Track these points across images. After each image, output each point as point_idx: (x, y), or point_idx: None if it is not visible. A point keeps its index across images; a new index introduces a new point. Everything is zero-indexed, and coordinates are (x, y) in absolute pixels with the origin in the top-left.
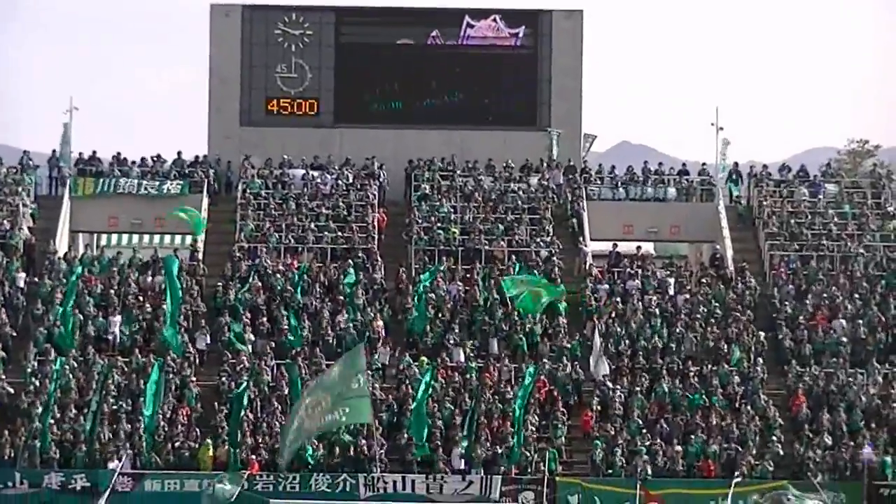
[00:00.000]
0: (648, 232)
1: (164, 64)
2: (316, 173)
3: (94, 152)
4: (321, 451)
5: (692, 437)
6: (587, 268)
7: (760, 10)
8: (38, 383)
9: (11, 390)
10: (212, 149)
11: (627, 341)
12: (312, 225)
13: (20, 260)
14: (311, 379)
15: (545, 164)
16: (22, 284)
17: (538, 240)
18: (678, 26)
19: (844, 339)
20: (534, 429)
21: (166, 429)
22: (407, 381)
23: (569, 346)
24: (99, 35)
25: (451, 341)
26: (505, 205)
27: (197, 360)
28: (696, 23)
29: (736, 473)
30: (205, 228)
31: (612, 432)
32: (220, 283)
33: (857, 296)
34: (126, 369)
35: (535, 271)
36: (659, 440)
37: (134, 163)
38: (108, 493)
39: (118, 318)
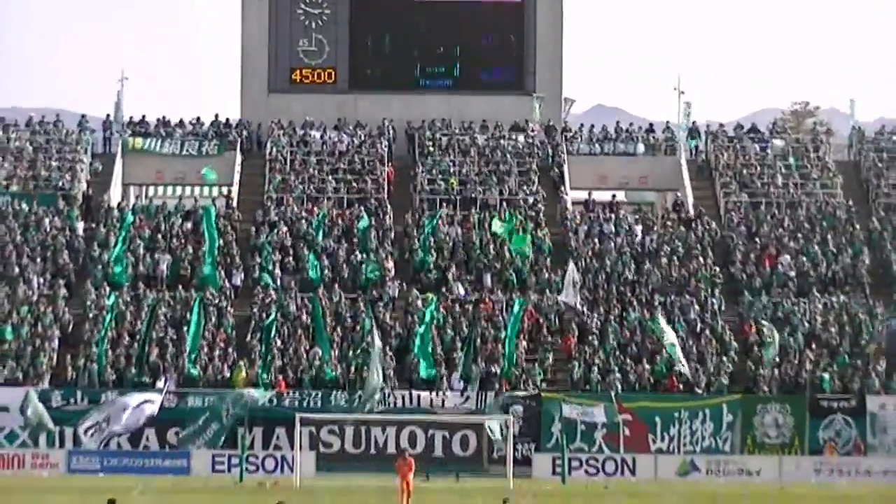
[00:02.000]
0: (620, 182)
1: (201, 39)
2: (333, 133)
3: (143, 116)
4: (338, 371)
5: (658, 357)
6: (567, 212)
7: None
8: (95, 315)
9: (73, 321)
10: (244, 112)
11: (602, 276)
12: (330, 178)
13: (79, 209)
14: (329, 308)
15: (530, 124)
16: (81, 230)
17: (525, 189)
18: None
19: (790, 273)
20: (522, 352)
21: (206, 353)
22: (413, 312)
23: (552, 280)
24: (147, 12)
25: (451, 277)
26: (496, 159)
27: (232, 294)
28: None
29: (697, 389)
30: (216, 182)
31: (590, 354)
32: (251, 228)
33: (800, 236)
34: (171, 302)
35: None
36: (629, 360)
37: (177, 125)
38: (158, 406)
39: (164, 258)
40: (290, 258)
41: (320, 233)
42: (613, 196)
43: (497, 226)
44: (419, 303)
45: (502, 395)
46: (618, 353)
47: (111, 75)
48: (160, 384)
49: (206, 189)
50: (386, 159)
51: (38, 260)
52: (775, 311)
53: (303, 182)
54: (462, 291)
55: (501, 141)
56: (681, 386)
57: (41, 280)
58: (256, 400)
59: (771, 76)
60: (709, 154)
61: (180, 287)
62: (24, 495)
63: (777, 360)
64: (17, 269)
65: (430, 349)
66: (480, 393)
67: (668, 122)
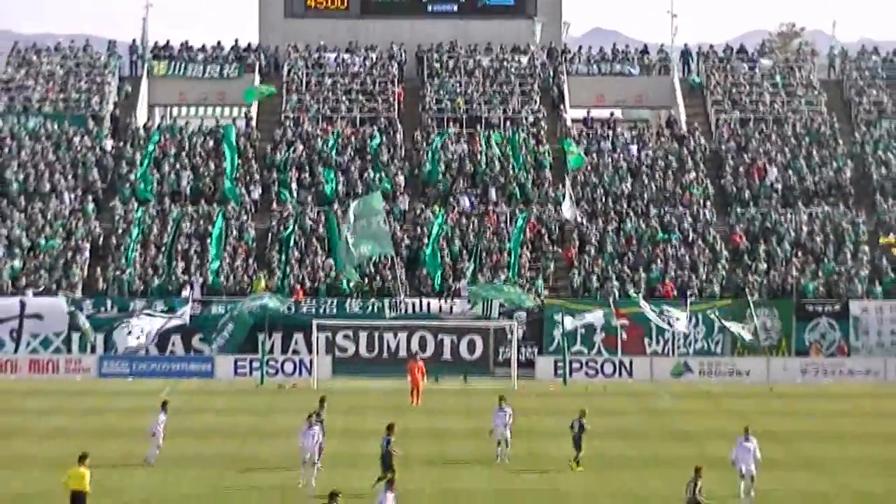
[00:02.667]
0: (616, 101)
1: None
2: (347, 56)
3: (168, 41)
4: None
5: (653, 265)
6: (567, 130)
7: None
8: (123, 228)
9: (102, 234)
10: (262, 37)
11: (601, 189)
12: (344, 98)
13: (108, 129)
14: (343, 221)
15: (531, 47)
16: (109, 148)
17: (527, 108)
18: None
19: (777, 186)
20: (526, 261)
21: (227, 264)
22: (422, 224)
23: (553, 194)
24: None
25: (458, 191)
26: (500, 80)
27: (252, 208)
28: None
29: (689, 294)
30: (270, 93)
31: (589, 263)
32: (270, 146)
33: (786, 150)
34: (195, 216)
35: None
36: (626, 268)
37: (199, 49)
38: (186, 312)
39: (188, 174)
40: (307, 174)
41: (334, 150)
42: (611, 114)
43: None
44: (428, 215)
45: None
46: (615, 261)
47: (137, 2)
48: (185, 293)
49: (226, 109)
50: (396, 81)
51: (70, 177)
52: (763, 221)
53: (318, 102)
54: (468, 204)
55: (504, 63)
56: (675, 292)
57: (72, 196)
58: (272, 307)
59: None
60: (700, 74)
61: (203, 202)
62: (59, 398)
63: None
64: (49, 186)
65: (438, 259)
66: (486, 300)
67: (661, 44)
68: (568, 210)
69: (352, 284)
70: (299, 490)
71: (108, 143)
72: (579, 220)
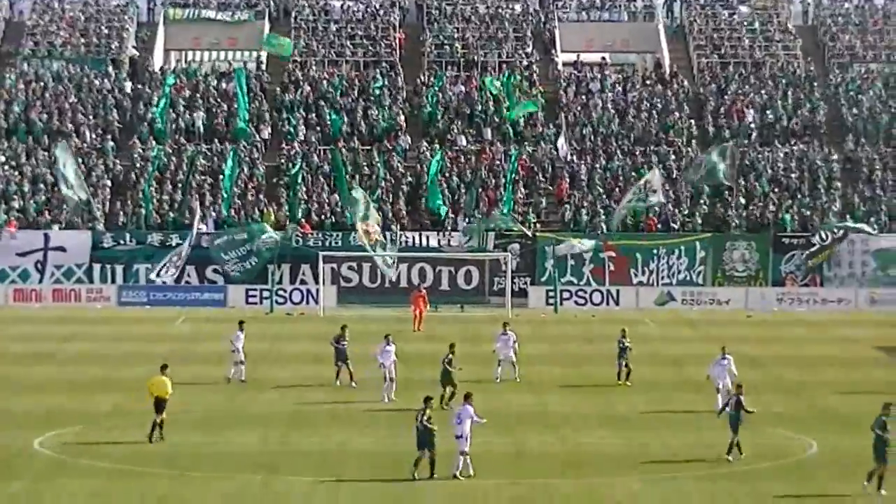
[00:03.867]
0: (605, 45)
1: None
2: (351, 3)
3: None
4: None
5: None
6: (558, 72)
7: None
8: (141, 165)
9: (122, 171)
10: None
11: (590, 128)
12: (349, 42)
13: (126, 72)
14: (348, 159)
15: None
16: (128, 90)
17: (521, 52)
18: None
19: (754, 125)
20: (519, 196)
21: (239, 198)
22: (422, 162)
23: (545, 133)
24: None
25: (455, 130)
26: (495, 26)
27: (262, 147)
28: None
29: (672, 227)
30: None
31: (578, 198)
32: (278, 88)
33: (764, 92)
34: (208, 154)
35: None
36: (614, 203)
37: None
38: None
39: (202, 115)
40: (313, 115)
41: (339, 92)
42: (602, 58)
43: (494, 85)
44: (427, 153)
45: (501, 235)
46: (604, 196)
47: None
48: (201, 226)
49: (237, 53)
50: (397, 26)
51: (90, 118)
52: (743, 158)
53: (324, 47)
54: (465, 142)
55: (499, 9)
56: (659, 226)
57: (93, 135)
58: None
59: None
60: (683, 20)
61: (216, 140)
62: (82, 325)
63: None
64: (71, 126)
65: (437, 194)
66: (483, 232)
67: None
68: (562, 147)
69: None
70: (305, 408)
71: (127, 86)
72: (570, 157)
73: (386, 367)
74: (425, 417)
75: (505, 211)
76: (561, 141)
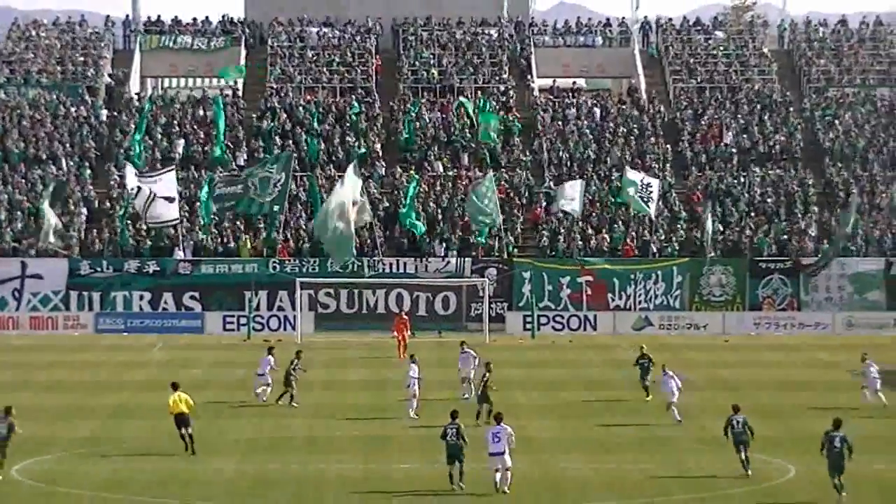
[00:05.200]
0: (581, 71)
1: None
2: (327, 29)
3: (159, 16)
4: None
5: (615, 226)
6: (534, 98)
7: None
8: (118, 193)
9: (98, 198)
10: (247, 11)
11: (566, 154)
12: (325, 69)
13: (103, 99)
14: (324, 186)
15: (500, 20)
16: (104, 118)
17: (496, 77)
18: None
19: (731, 150)
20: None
21: (216, 226)
22: (398, 188)
23: (522, 159)
24: None
25: (432, 156)
26: (471, 51)
27: (239, 174)
28: None
29: (650, 252)
30: (242, 74)
31: (555, 223)
32: (255, 115)
33: (740, 117)
34: (185, 181)
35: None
36: (591, 229)
37: (188, 24)
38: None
39: (178, 143)
40: (290, 141)
41: (316, 118)
42: (574, 83)
43: (467, 103)
44: (404, 179)
45: (478, 260)
46: (580, 222)
47: None
48: (178, 254)
49: (214, 80)
50: (374, 52)
51: (67, 145)
52: (719, 183)
53: (300, 73)
54: (441, 169)
55: (475, 35)
56: (636, 251)
57: (69, 163)
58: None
59: None
60: (659, 45)
61: (192, 167)
62: (59, 353)
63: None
64: (48, 154)
65: (415, 221)
66: (459, 258)
67: (622, 17)
68: (572, 205)
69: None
70: (287, 435)
71: (103, 113)
72: (578, 213)
73: (412, 387)
74: (455, 431)
75: (482, 234)
76: (568, 201)
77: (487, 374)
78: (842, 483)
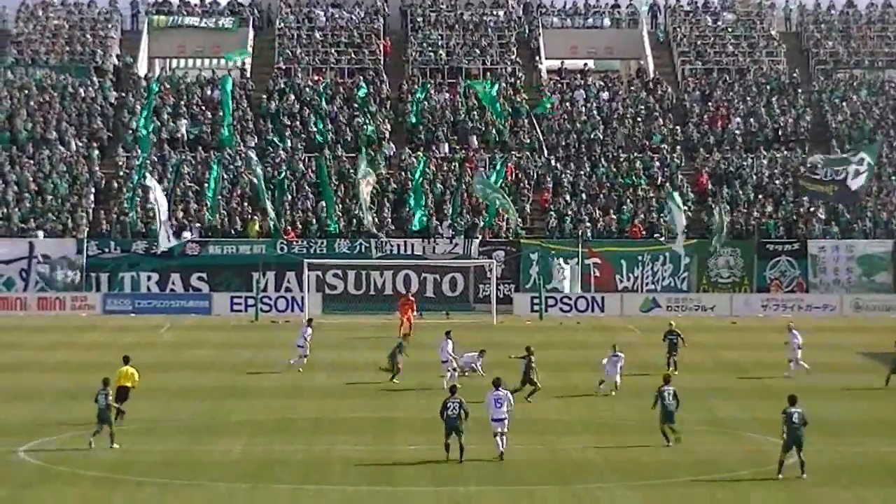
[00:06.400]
0: (589, 52)
1: None
2: (335, 10)
3: None
4: (341, 223)
5: (623, 207)
6: (543, 79)
7: None
8: (126, 174)
9: (106, 179)
10: None
11: (574, 136)
12: (333, 50)
13: (111, 80)
14: (332, 167)
15: (508, 1)
16: (112, 99)
17: (505, 59)
18: None
19: (739, 132)
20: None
21: (224, 207)
22: (406, 169)
23: (529, 140)
24: None
25: (440, 138)
26: (479, 33)
27: (247, 154)
28: None
29: (656, 235)
30: (247, 56)
31: (563, 205)
32: (263, 96)
33: (748, 99)
34: (193, 162)
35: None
36: (598, 210)
37: (196, 4)
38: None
39: (186, 123)
40: (298, 122)
41: (324, 99)
42: (584, 65)
43: (479, 87)
44: (412, 160)
45: (486, 242)
46: (588, 204)
47: None
48: (186, 234)
49: (223, 61)
50: (382, 33)
51: (75, 126)
52: (728, 165)
53: (308, 54)
54: (448, 150)
55: (483, 16)
56: (644, 232)
57: (78, 143)
58: None
59: None
60: (667, 26)
61: (200, 148)
62: (67, 333)
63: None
64: (56, 134)
65: (422, 202)
66: (466, 240)
67: None
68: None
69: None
70: (294, 416)
71: (111, 94)
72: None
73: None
74: (458, 405)
75: (488, 218)
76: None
77: (531, 356)
78: (803, 460)
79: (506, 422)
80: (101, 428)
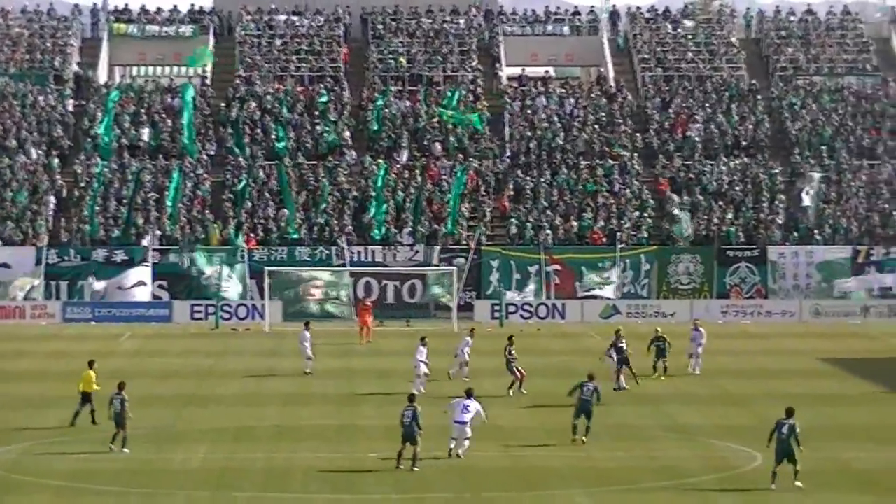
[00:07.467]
0: (549, 59)
1: None
2: (295, 18)
3: (126, 4)
4: (302, 230)
5: (584, 214)
6: (503, 87)
7: None
8: (86, 182)
9: (66, 187)
10: (216, 0)
11: (535, 142)
12: (294, 58)
13: (71, 88)
14: (293, 174)
15: (470, 9)
16: (72, 107)
17: (466, 66)
18: None
19: (699, 139)
20: (464, 211)
21: (184, 215)
22: (367, 177)
23: (490, 147)
24: None
25: (401, 145)
26: (440, 40)
27: (207, 163)
28: None
29: (618, 240)
30: (209, 59)
31: (524, 212)
32: (223, 103)
33: (708, 106)
34: (153, 170)
35: (462, 92)
36: (559, 217)
37: (156, 12)
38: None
39: (147, 131)
40: (259, 130)
41: (285, 107)
42: (546, 72)
43: (445, 114)
44: (373, 168)
45: (447, 250)
46: (548, 211)
47: None
48: (144, 242)
49: (183, 69)
50: (342, 41)
51: (35, 134)
52: (687, 172)
53: (269, 62)
54: (407, 158)
55: (444, 24)
56: (604, 239)
57: (38, 152)
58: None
59: None
60: (627, 34)
61: (161, 156)
62: (27, 342)
63: (688, 233)
64: (15, 142)
65: (383, 209)
66: (427, 248)
67: (591, 6)
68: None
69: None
70: (255, 424)
71: (71, 102)
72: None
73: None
74: (411, 414)
75: (450, 225)
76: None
77: (509, 347)
78: (797, 471)
79: (467, 427)
80: (117, 432)
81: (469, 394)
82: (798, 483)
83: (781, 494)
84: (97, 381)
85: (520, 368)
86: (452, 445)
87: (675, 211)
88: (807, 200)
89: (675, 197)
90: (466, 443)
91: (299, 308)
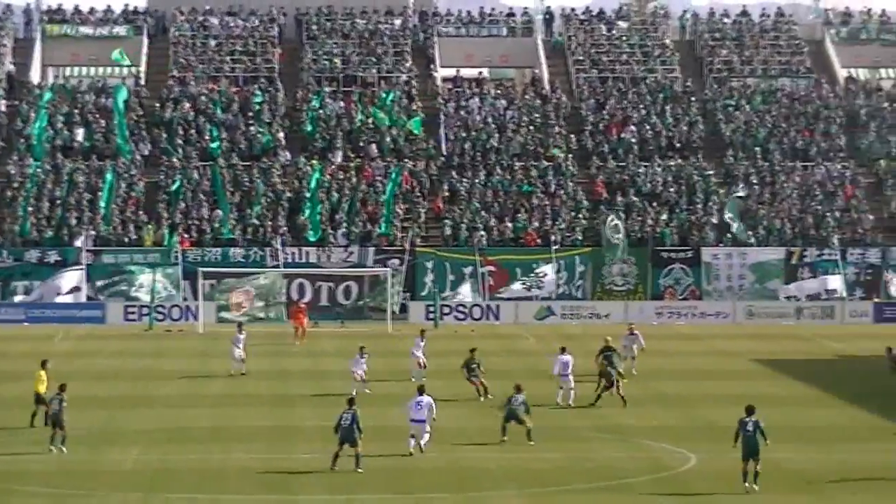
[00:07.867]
0: (484, 60)
1: None
2: (229, 18)
3: (60, 4)
4: (236, 231)
5: (518, 215)
6: (438, 88)
7: None
8: (19, 182)
9: None
10: (150, 1)
11: (469, 144)
12: (228, 58)
13: (3, 88)
14: (227, 175)
15: (405, 10)
16: (4, 107)
17: (400, 67)
18: None
19: (633, 140)
20: (399, 212)
21: (118, 215)
22: (301, 178)
23: (425, 148)
24: None
25: (335, 147)
26: (375, 41)
27: (141, 163)
28: None
29: (552, 241)
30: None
31: (458, 214)
32: (157, 104)
33: (642, 107)
34: (87, 170)
35: (397, 93)
36: (493, 218)
37: (89, 12)
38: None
39: (80, 131)
40: (193, 131)
41: (219, 108)
42: (479, 73)
43: (385, 121)
44: (307, 169)
45: (381, 251)
46: (483, 212)
47: None
48: (78, 243)
49: (117, 69)
50: (277, 42)
51: None
52: (622, 173)
53: (203, 63)
54: (343, 159)
55: (379, 25)
56: (538, 240)
57: None
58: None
59: None
60: (562, 35)
61: (94, 157)
62: None
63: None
64: None
65: (317, 210)
66: (361, 248)
67: (526, 7)
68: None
69: None
70: (190, 425)
71: (3, 102)
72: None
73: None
74: (350, 417)
75: (384, 227)
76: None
77: (471, 356)
78: (757, 471)
79: (425, 424)
80: (55, 432)
81: (421, 391)
82: (755, 486)
83: (717, 497)
84: (47, 382)
85: (482, 380)
86: (412, 444)
87: (618, 236)
88: (733, 226)
89: (619, 223)
90: (427, 436)
91: (229, 316)
